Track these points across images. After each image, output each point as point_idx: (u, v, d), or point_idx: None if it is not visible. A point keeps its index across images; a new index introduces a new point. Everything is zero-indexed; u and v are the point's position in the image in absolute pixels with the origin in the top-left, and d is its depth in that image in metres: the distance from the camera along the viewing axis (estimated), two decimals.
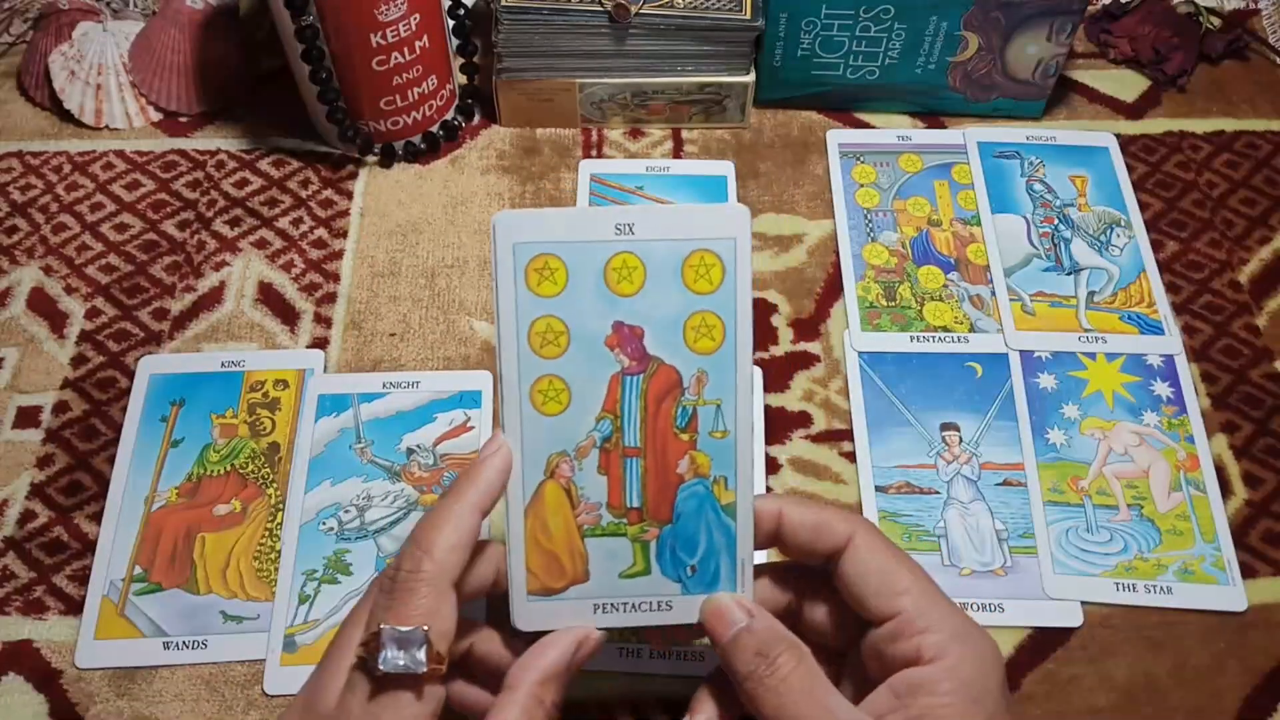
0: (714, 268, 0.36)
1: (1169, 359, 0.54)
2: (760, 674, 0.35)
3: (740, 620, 0.36)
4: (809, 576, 0.39)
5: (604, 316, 0.36)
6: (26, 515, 0.50)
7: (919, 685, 0.34)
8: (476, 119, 0.64)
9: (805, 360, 0.55)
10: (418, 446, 0.51)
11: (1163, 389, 0.53)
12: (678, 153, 0.63)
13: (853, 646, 0.38)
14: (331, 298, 0.57)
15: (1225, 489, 0.51)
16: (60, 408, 0.53)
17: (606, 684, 0.46)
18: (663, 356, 0.36)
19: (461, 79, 0.63)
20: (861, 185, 0.61)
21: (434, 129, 0.62)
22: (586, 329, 0.36)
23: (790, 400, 0.53)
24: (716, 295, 0.36)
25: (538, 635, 0.37)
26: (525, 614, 0.37)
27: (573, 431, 0.37)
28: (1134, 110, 0.65)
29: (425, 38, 0.57)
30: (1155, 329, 0.55)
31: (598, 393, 0.36)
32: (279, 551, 0.48)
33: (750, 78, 0.61)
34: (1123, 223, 0.59)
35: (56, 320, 0.56)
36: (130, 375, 0.54)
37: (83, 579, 0.48)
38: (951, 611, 0.36)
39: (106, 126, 0.64)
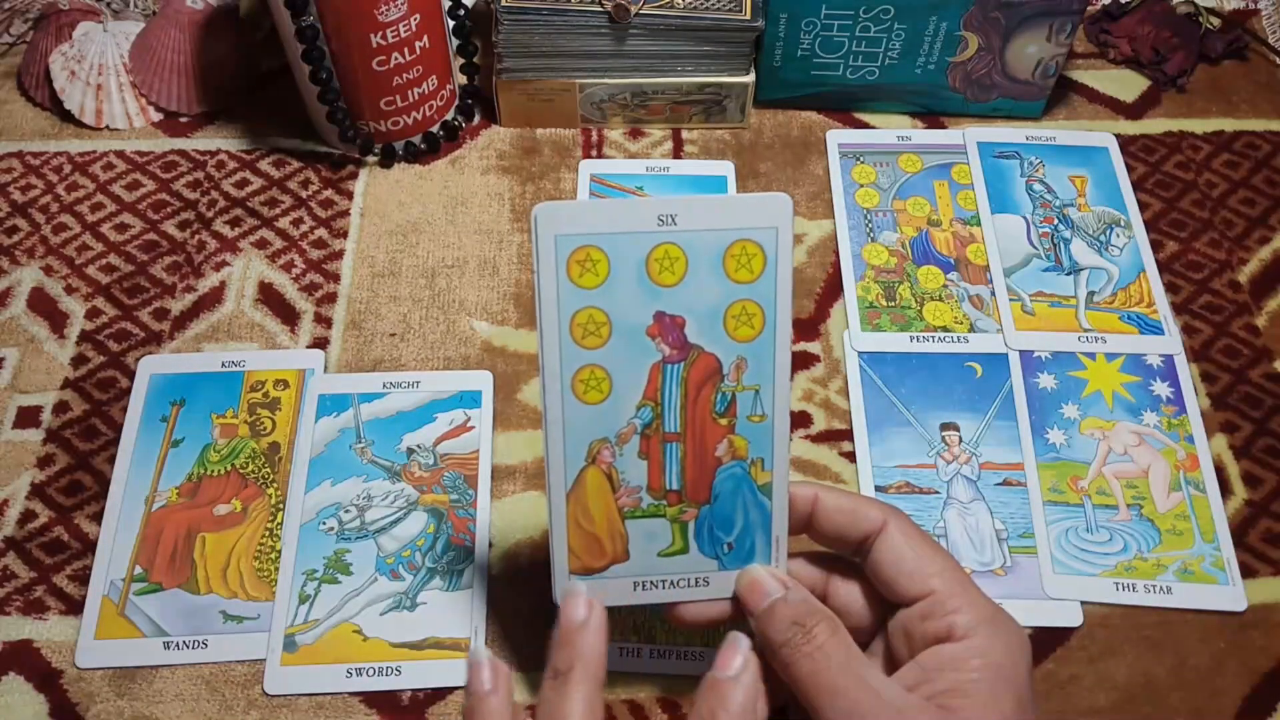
0: (755, 257, 0.36)
1: (1168, 359, 0.54)
2: (796, 642, 0.35)
3: (776, 591, 0.37)
4: (837, 562, 0.40)
5: (645, 307, 0.36)
6: (27, 515, 0.50)
7: (948, 661, 0.35)
8: (476, 119, 0.64)
9: (805, 360, 0.55)
10: (418, 446, 0.51)
11: (1162, 389, 0.53)
12: (678, 153, 0.63)
13: (879, 632, 0.38)
14: (332, 298, 0.57)
15: (1225, 489, 0.51)
16: (60, 408, 0.53)
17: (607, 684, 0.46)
18: (703, 345, 0.37)
19: (461, 79, 0.63)
20: (861, 185, 0.61)
21: (434, 129, 0.62)
22: (628, 319, 0.36)
23: (790, 400, 0.53)
24: (757, 284, 0.36)
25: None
26: None
27: (614, 419, 0.37)
28: (1134, 110, 0.65)
29: (425, 38, 0.57)
30: (1155, 329, 0.55)
31: (639, 381, 0.37)
32: (279, 551, 0.48)
33: (750, 78, 0.61)
34: (1122, 223, 0.59)
35: (57, 320, 0.56)
36: (130, 375, 0.54)
37: (83, 579, 0.48)
38: (984, 598, 0.36)
39: (107, 127, 0.64)
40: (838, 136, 0.63)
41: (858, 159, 0.62)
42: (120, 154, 0.63)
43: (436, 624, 0.47)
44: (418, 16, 0.56)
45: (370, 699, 0.45)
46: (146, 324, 0.56)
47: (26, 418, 0.53)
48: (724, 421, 0.38)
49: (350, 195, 0.61)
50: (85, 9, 0.66)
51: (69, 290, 0.57)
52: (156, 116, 0.64)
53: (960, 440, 0.52)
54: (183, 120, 0.64)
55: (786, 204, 0.36)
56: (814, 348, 0.55)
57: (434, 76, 0.60)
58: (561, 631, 0.36)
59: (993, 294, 0.57)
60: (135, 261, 0.58)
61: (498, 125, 0.64)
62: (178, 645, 0.46)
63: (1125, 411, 0.53)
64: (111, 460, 0.51)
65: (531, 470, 0.51)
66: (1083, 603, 0.47)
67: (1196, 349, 0.55)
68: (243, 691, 0.45)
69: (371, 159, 0.62)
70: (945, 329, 0.55)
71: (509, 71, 0.61)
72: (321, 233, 0.59)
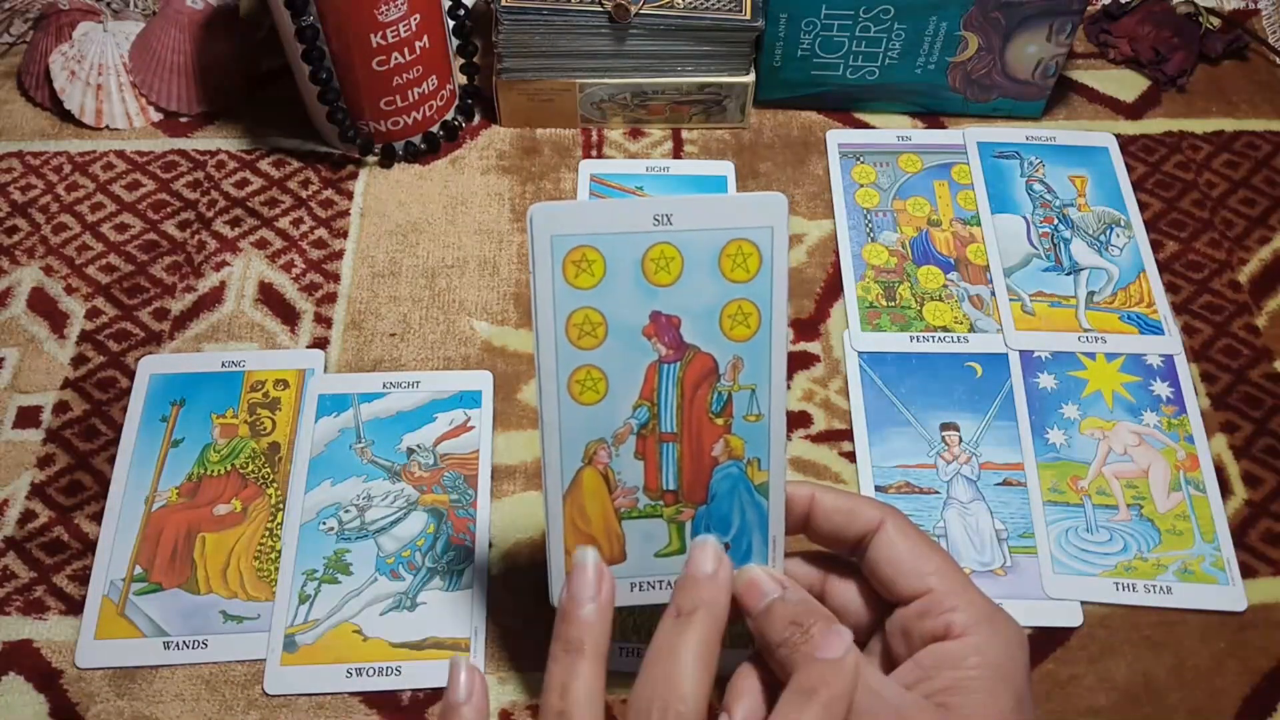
0: (751, 257, 0.36)
1: (1168, 359, 0.54)
2: (794, 642, 0.35)
3: (773, 591, 0.37)
4: (835, 562, 0.40)
5: (642, 307, 0.36)
6: (27, 515, 0.50)
7: (946, 659, 0.35)
8: (476, 119, 0.64)
9: (805, 360, 0.55)
10: (418, 446, 0.51)
11: (1162, 389, 0.53)
12: (678, 153, 0.63)
13: (876, 631, 0.38)
14: (332, 298, 0.57)
15: (1225, 489, 0.51)
16: (60, 408, 0.53)
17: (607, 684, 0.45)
18: (699, 344, 0.37)
19: (461, 79, 0.63)
20: (861, 185, 0.61)
21: (434, 129, 0.62)
22: (624, 320, 0.36)
23: (790, 400, 0.53)
24: (753, 284, 0.36)
25: None
26: None
27: (610, 420, 0.37)
28: (1134, 110, 0.65)
29: (425, 38, 0.57)
30: (1155, 329, 0.55)
31: (635, 381, 0.37)
32: (279, 551, 0.48)
33: (750, 78, 0.61)
34: (1122, 223, 0.59)
35: (57, 320, 0.56)
36: (130, 375, 0.54)
37: (83, 579, 0.48)
38: (981, 596, 0.36)
39: (107, 127, 0.64)
40: (838, 136, 0.63)
41: (858, 159, 0.62)
42: (120, 154, 0.63)
43: (436, 624, 0.47)
44: (418, 16, 0.56)
45: (370, 699, 0.45)
46: (146, 324, 0.56)
47: (26, 418, 0.53)
48: (720, 421, 0.38)
49: (350, 195, 0.61)
50: (85, 9, 0.66)
51: (69, 290, 0.57)
52: (156, 116, 0.64)
53: (960, 440, 0.52)
54: (183, 120, 0.64)
55: (781, 203, 0.36)
56: (814, 348, 0.55)
57: (434, 76, 0.60)
58: (687, 577, 0.35)
59: (993, 294, 0.57)
60: (135, 261, 0.58)
61: (498, 125, 0.64)
62: (178, 645, 0.46)
63: (1125, 411, 0.53)
64: (111, 460, 0.51)
65: (531, 470, 0.51)
66: (1083, 603, 0.47)
67: (1196, 349, 0.55)
68: (243, 691, 0.45)
69: (371, 159, 0.62)
70: (945, 329, 0.55)
71: (509, 71, 0.61)
72: (321, 233, 0.59)
